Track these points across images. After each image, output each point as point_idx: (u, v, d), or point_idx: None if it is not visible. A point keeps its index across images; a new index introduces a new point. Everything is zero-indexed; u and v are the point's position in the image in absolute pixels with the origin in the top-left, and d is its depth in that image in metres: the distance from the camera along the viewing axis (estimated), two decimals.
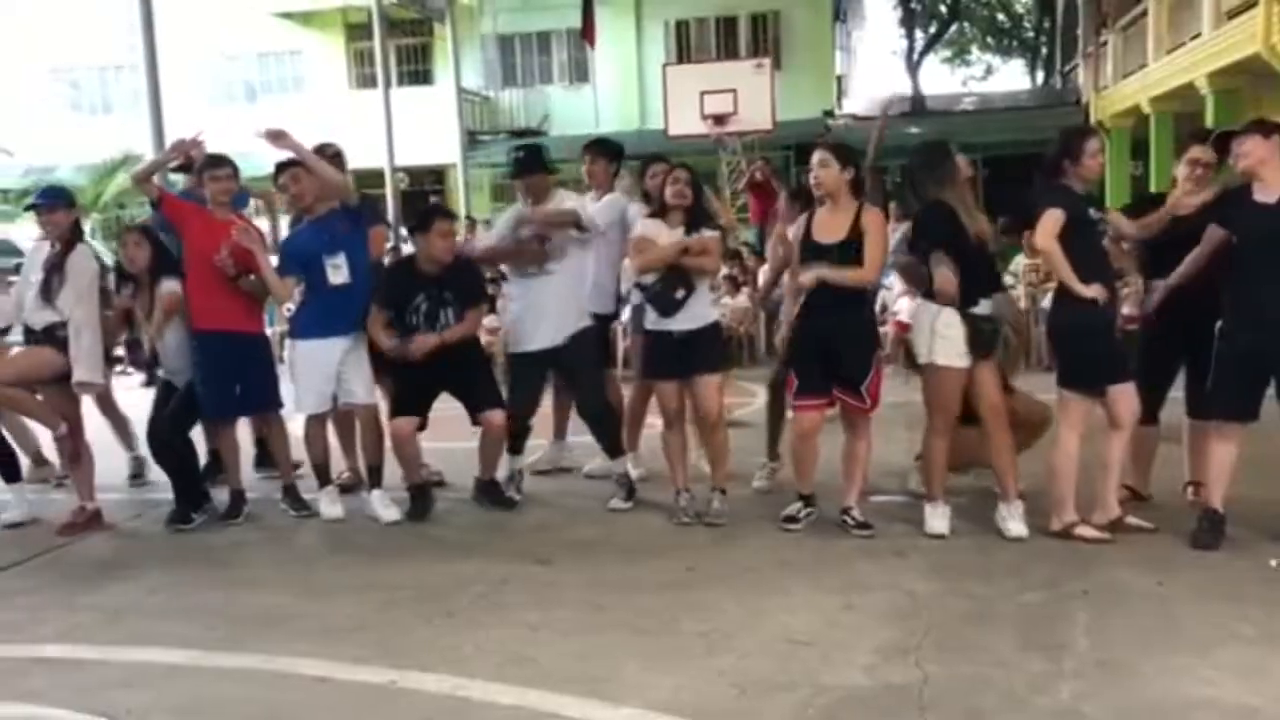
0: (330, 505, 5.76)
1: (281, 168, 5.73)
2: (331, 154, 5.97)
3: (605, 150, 6.27)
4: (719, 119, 14.77)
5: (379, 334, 5.56)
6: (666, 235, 5.26)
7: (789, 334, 5.35)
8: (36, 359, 5.59)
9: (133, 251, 5.54)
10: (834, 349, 5.01)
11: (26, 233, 6.01)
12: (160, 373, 5.86)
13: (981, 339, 4.79)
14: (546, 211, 5.61)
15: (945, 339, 4.82)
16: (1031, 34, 36.26)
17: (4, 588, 4.82)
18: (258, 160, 6.96)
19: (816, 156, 5.05)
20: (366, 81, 22.58)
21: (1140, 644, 3.69)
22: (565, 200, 5.74)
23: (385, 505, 5.65)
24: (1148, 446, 5.29)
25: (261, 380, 5.79)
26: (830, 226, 5.00)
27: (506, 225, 5.84)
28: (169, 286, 5.52)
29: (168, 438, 5.65)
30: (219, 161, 5.78)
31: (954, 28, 35.56)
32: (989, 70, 40.01)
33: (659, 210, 5.33)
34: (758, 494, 5.84)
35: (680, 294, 5.22)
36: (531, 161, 5.72)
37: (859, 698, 3.36)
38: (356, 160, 6.29)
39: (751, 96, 15.23)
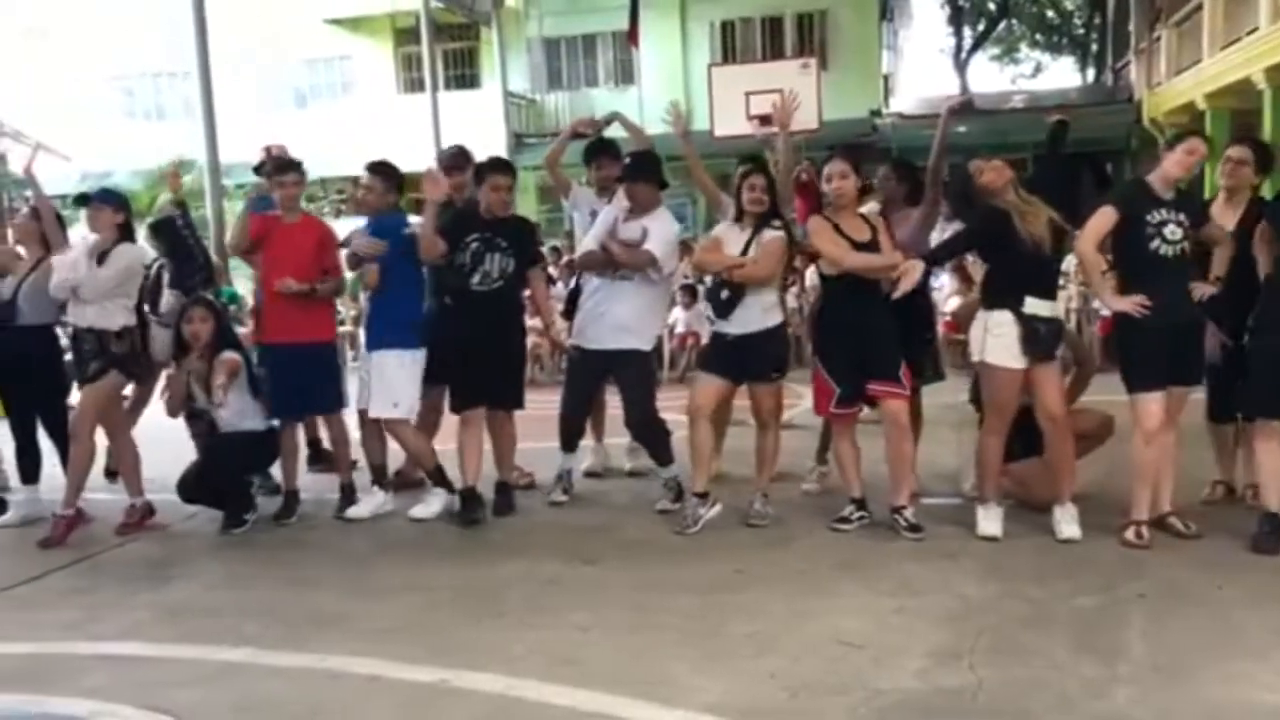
0: (360, 506, 5.82)
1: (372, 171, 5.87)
2: (456, 152, 6.23)
3: (616, 154, 6.14)
4: (764, 119, 14.71)
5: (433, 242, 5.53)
6: (735, 238, 5.27)
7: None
8: (101, 396, 5.65)
9: (198, 327, 5.58)
10: (864, 339, 5.02)
11: (83, 235, 6.10)
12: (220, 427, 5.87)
13: (1035, 339, 4.74)
14: (629, 252, 5.59)
15: (997, 337, 4.80)
16: (1082, 30, 35.76)
17: (63, 586, 4.92)
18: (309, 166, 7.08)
19: (837, 167, 5.07)
20: (414, 86, 22.78)
21: (1198, 649, 3.64)
22: (665, 220, 5.74)
23: (423, 504, 5.71)
24: (1227, 442, 5.34)
25: (328, 383, 5.91)
26: (855, 228, 5.08)
27: (604, 227, 5.75)
28: (229, 354, 5.57)
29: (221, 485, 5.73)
30: (286, 166, 5.89)
31: (1003, 25, 35.14)
32: (1038, 68, 39.49)
33: (740, 214, 5.31)
34: (806, 496, 5.81)
35: (724, 295, 5.24)
36: (645, 169, 5.69)
37: (912, 702, 3.34)
38: (405, 164, 6.34)
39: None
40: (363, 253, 5.71)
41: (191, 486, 5.67)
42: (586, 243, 5.85)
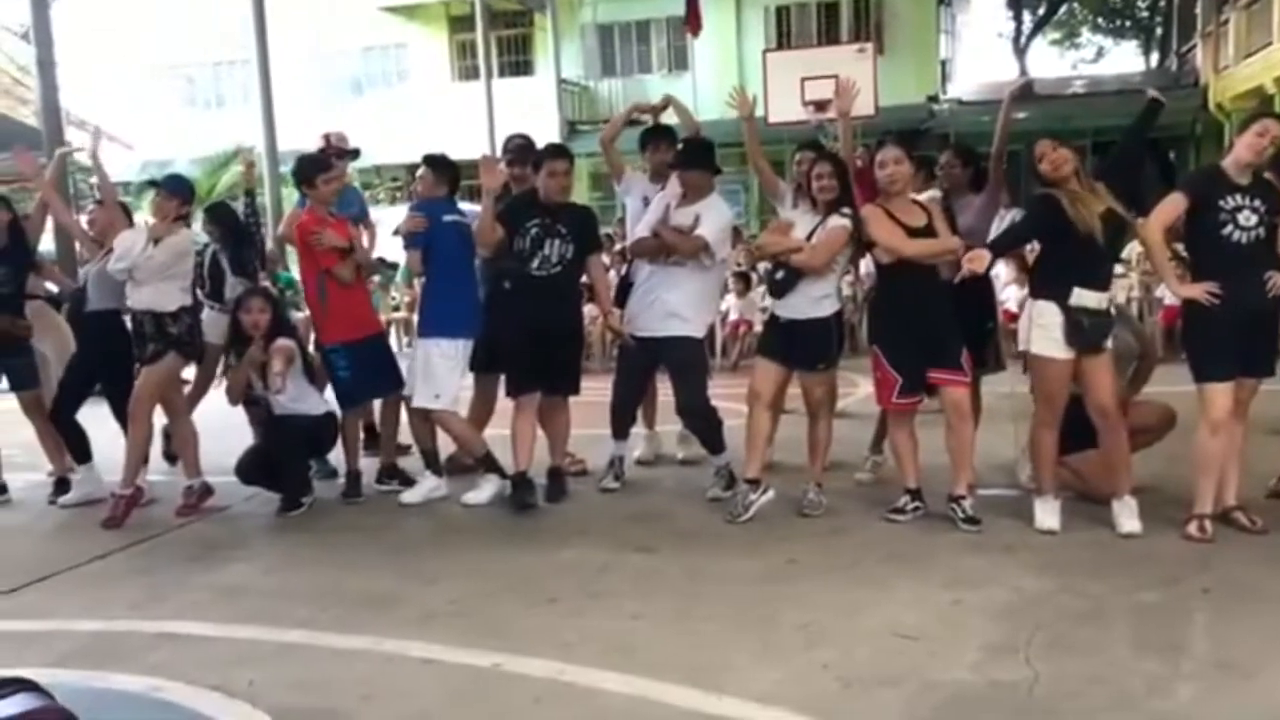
0: (413, 491, 5.90)
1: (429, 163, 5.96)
2: (521, 145, 6.20)
3: (671, 139, 6.08)
4: (820, 105, 14.58)
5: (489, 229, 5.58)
6: (805, 225, 5.24)
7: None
8: (159, 377, 5.77)
9: (257, 316, 5.69)
10: (926, 327, 4.97)
11: (144, 220, 6.26)
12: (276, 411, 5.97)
13: (1079, 331, 4.66)
14: (681, 238, 5.55)
15: (1040, 327, 4.74)
16: (1146, 14, 35.02)
17: (127, 566, 5.02)
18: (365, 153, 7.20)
19: (891, 153, 5.01)
20: (468, 73, 22.91)
21: (1265, 647, 3.54)
22: (718, 206, 5.72)
23: (476, 490, 5.76)
24: None
25: (391, 368, 6.07)
26: (911, 213, 5.02)
27: (657, 214, 5.71)
28: (284, 341, 5.66)
29: (270, 472, 5.83)
30: (330, 164, 6.00)
31: (1063, 9, 34.50)
32: (1100, 53, 38.76)
33: (811, 201, 5.27)
34: (859, 486, 5.76)
35: (779, 275, 5.24)
36: (699, 155, 5.67)
37: (966, 695, 3.30)
38: (459, 151, 6.38)
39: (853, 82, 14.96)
40: (404, 230, 5.81)
41: (250, 469, 5.77)
42: (639, 230, 5.84)
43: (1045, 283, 4.81)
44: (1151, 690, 3.27)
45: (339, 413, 5.98)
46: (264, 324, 5.68)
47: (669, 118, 6.37)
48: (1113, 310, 4.85)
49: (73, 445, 6.19)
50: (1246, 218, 4.52)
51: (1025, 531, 4.83)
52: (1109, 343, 4.78)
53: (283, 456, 5.78)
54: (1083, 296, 4.67)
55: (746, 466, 5.33)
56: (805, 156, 5.55)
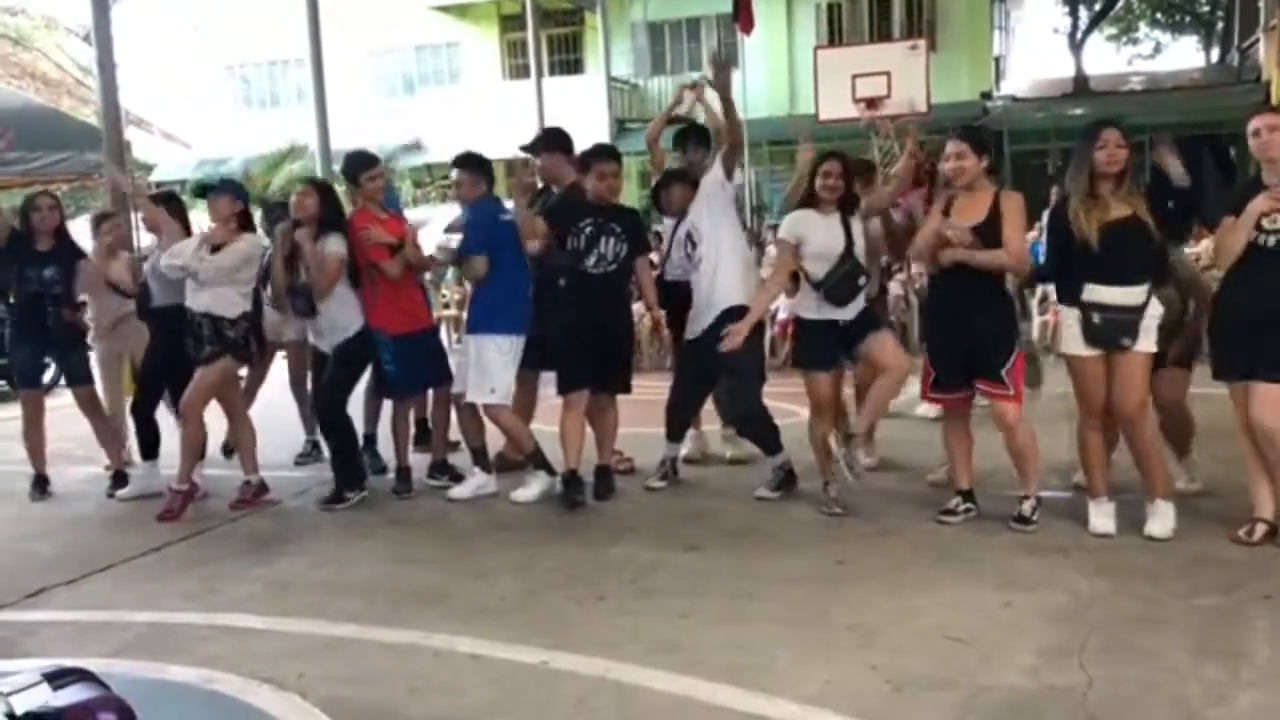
0: (461, 487, 5.94)
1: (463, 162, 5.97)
2: (537, 139, 6.25)
3: (706, 139, 6.14)
4: (871, 102, 14.48)
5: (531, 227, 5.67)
6: (820, 223, 5.21)
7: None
8: (214, 379, 5.82)
9: (302, 199, 5.78)
10: (970, 335, 4.89)
11: (200, 222, 6.35)
12: (310, 338, 6.15)
13: (1090, 326, 4.60)
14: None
15: (1067, 327, 4.72)
16: (1206, 8, 34.30)
17: (184, 557, 5.10)
18: (420, 152, 7.22)
19: (954, 147, 4.92)
20: (519, 72, 22.97)
21: None
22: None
23: (524, 487, 5.79)
24: None
25: (442, 361, 6.18)
26: (969, 210, 4.89)
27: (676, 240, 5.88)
28: (334, 248, 5.68)
29: (328, 416, 5.89)
30: (375, 161, 6.04)
31: (1120, 3, 33.88)
32: (1158, 48, 38.03)
33: (810, 199, 5.26)
34: (932, 487, 5.60)
35: (863, 280, 5.22)
36: (695, 137, 5.83)
37: (1019, 699, 3.25)
38: (509, 150, 6.40)
39: (905, 79, 14.76)
40: (438, 260, 5.89)
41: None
42: (674, 253, 5.91)
43: (1063, 286, 4.81)
44: (1210, 697, 3.20)
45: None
46: (311, 208, 5.74)
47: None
48: (1143, 304, 4.61)
49: (144, 441, 6.31)
50: (1271, 220, 4.42)
51: (1080, 533, 4.75)
52: (1134, 344, 4.60)
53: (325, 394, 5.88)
54: (1096, 292, 4.59)
55: (823, 470, 5.35)
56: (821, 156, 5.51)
